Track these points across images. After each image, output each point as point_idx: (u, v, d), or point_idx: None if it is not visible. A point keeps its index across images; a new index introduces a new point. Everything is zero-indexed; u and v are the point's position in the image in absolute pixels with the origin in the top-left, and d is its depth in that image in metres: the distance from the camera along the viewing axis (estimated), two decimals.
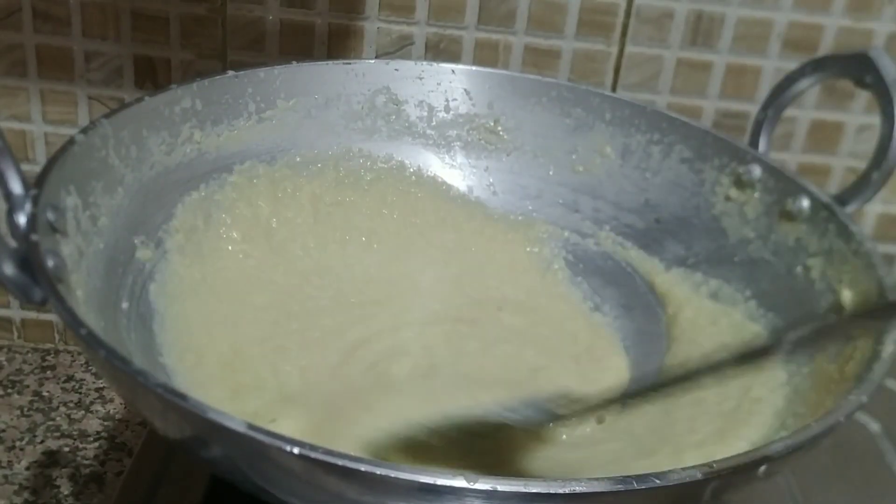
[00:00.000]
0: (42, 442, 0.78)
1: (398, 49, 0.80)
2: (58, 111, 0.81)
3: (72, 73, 0.79)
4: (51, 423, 0.80)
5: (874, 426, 0.72)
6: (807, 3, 0.79)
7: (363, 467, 0.35)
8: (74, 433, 0.79)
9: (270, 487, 0.41)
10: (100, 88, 0.80)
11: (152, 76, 0.79)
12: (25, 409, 0.81)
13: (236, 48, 0.79)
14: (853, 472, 0.68)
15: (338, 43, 0.79)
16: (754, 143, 0.67)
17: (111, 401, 0.83)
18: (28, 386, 0.84)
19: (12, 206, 0.46)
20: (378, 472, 0.35)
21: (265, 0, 0.77)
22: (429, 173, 0.74)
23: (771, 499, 0.64)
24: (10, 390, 0.83)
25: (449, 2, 0.78)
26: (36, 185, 0.48)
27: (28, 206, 0.46)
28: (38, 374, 0.86)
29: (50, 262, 0.45)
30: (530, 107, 0.73)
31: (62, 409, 0.82)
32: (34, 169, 0.61)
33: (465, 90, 0.74)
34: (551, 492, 0.35)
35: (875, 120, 0.59)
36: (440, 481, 0.35)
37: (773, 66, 0.80)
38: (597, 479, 0.36)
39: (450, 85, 0.74)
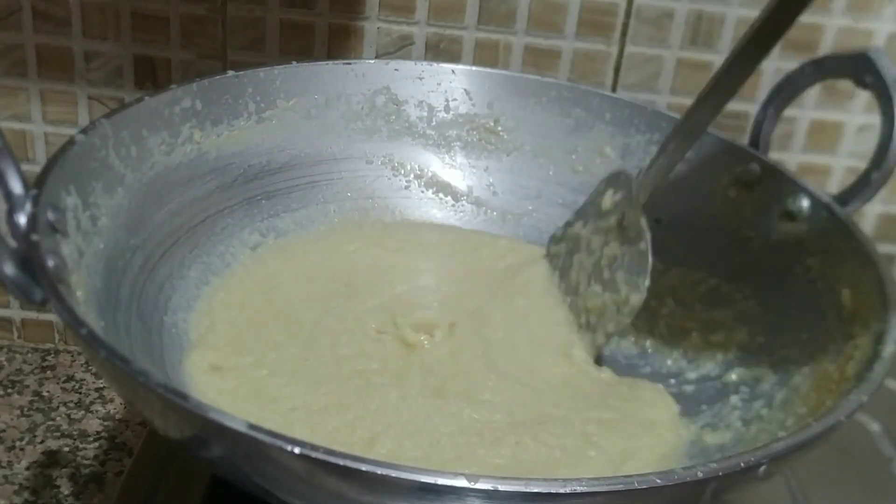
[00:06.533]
0: (42, 442, 0.78)
1: (398, 49, 0.80)
2: (58, 111, 0.81)
3: (72, 73, 0.79)
4: (51, 423, 0.80)
5: (874, 426, 0.72)
6: None
7: (364, 467, 0.35)
8: (74, 433, 0.79)
9: (271, 487, 0.41)
10: (100, 88, 0.80)
11: (152, 76, 0.79)
12: (25, 409, 0.81)
13: (236, 48, 0.79)
14: (853, 472, 0.68)
15: (338, 43, 0.79)
16: (754, 142, 0.67)
17: (111, 401, 0.83)
18: (28, 386, 0.84)
19: (12, 206, 0.46)
20: (379, 472, 0.35)
21: (265, 0, 0.77)
22: (429, 175, 0.75)
23: (771, 499, 0.64)
24: (10, 390, 0.83)
25: (449, 2, 0.78)
26: (36, 185, 0.48)
27: (28, 206, 0.47)
28: (38, 374, 0.86)
29: (50, 262, 0.45)
30: (530, 107, 0.74)
31: (62, 409, 0.82)
32: (34, 169, 0.61)
33: (465, 90, 0.74)
34: (552, 491, 0.35)
35: (875, 120, 0.59)
36: (441, 481, 0.35)
37: (773, 66, 0.80)
38: (597, 479, 0.36)
39: (450, 85, 0.74)
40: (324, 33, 0.79)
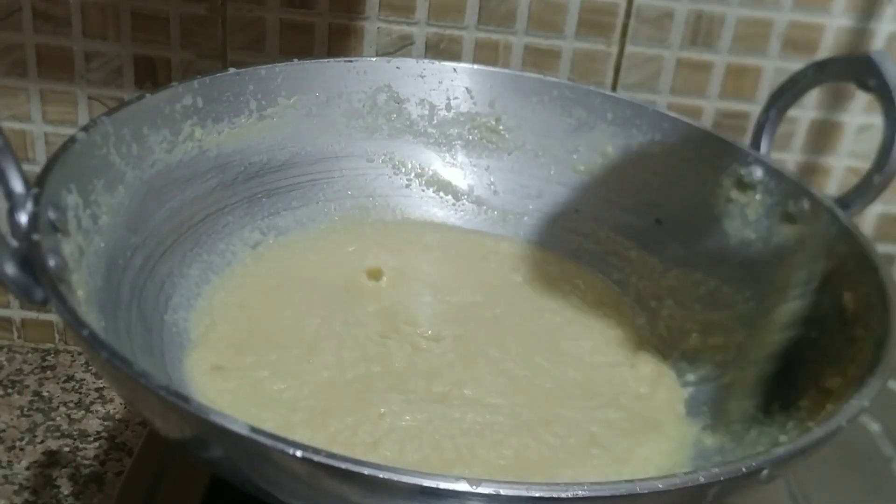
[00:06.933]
0: (42, 442, 0.78)
1: (398, 49, 0.80)
2: (58, 111, 0.80)
3: (72, 73, 0.79)
4: (51, 423, 0.80)
5: (874, 426, 0.72)
6: (807, 3, 0.79)
7: (366, 471, 0.35)
8: (74, 433, 0.79)
9: (272, 489, 0.41)
10: (100, 88, 0.80)
11: (152, 76, 0.79)
12: (25, 409, 0.81)
13: (236, 48, 0.79)
14: (853, 472, 0.68)
15: (338, 43, 0.79)
16: (756, 144, 0.67)
17: (111, 401, 0.83)
18: (28, 386, 0.84)
19: (13, 205, 0.46)
20: (381, 476, 0.35)
21: (265, 0, 0.77)
22: (430, 174, 0.75)
23: (771, 499, 0.64)
24: (10, 390, 0.83)
25: (449, 2, 0.78)
26: (37, 183, 0.48)
27: (29, 205, 0.46)
28: (38, 374, 0.86)
29: (51, 262, 0.45)
30: (532, 106, 0.73)
31: (62, 409, 0.82)
32: (34, 169, 0.60)
33: (467, 89, 0.74)
34: (554, 496, 0.35)
35: (875, 120, 0.59)
36: (443, 485, 0.35)
37: (774, 66, 0.80)
38: (599, 484, 0.36)
39: (451, 83, 0.74)
40: (324, 33, 0.79)
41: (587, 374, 0.62)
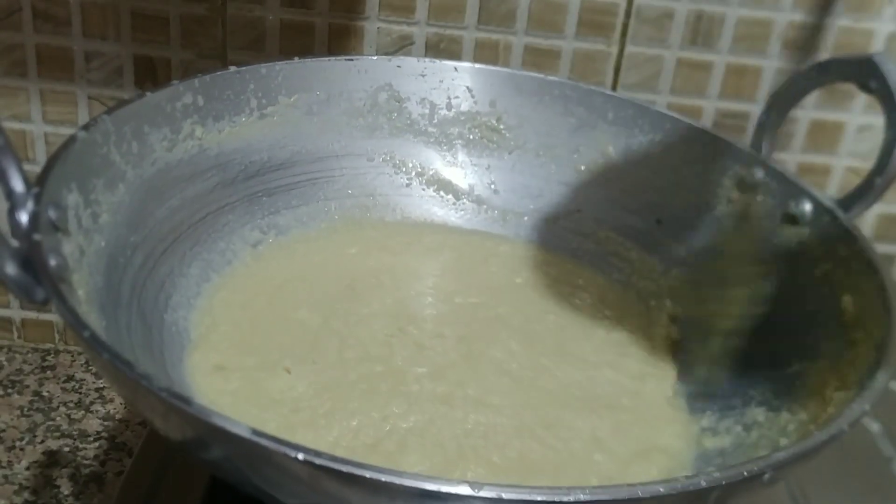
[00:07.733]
0: (42, 442, 0.78)
1: (398, 49, 0.80)
2: (58, 111, 0.80)
3: (72, 73, 0.79)
4: (51, 423, 0.80)
5: (874, 426, 0.72)
6: (807, 2, 0.78)
7: (367, 473, 0.35)
8: (74, 433, 0.79)
9: (272, 491, 0.41)
10: (100, 88, 0.80)
11: (152, 76, 0.79)
12: (25, 409, 0.81)
13: (236, 48, 0.79)
14: (853, 472, 0.68)
15: (338, 43, 0.79)
16: (757, 145, 0.67)
17: (111, 401, 0.83)
18: (28, 386, 0.84)
19: (14, 205, 0.46)
20: (382, 479, 0.35)
21: (265, 0, 0.77)
22: (430, 173, 0.75)
23: (771, 499, 0.64)
24: (10, 390, 0.83)
25: (449, 2, 0.78)
26: (38, 183, 0.48)
27: (30, 205, 0.46)
28: (38, 374, 0.86)
29: (52, 262, 0.45)
30: (533, 105, 0.73)
31: (62, 409, 0.82)
32: (34, 169, 0.60)
33: (468, 88, 0.74)
34: (556, 500, 0.35)
35: (875, 120, 0.59)
36: (444, 488, 0.35)
37: (774, 66, 0.80)
38: (601, 487, 0.36)
39: (452, 82, 0.74)
40: (324, 33, 0.79)
41: (589, 374, 0.62)
